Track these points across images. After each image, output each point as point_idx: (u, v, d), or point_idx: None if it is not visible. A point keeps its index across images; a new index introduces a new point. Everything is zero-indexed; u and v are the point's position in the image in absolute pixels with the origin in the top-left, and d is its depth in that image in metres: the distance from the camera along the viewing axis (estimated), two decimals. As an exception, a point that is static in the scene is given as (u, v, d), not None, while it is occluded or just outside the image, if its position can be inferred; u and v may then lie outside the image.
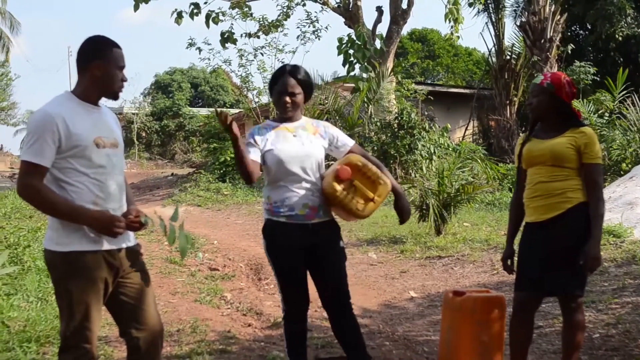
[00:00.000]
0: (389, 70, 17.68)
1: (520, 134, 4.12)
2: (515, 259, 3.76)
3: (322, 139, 3.57)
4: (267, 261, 3.60)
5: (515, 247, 3.79)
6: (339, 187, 3.36)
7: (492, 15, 22.10)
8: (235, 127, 3.11)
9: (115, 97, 2.99)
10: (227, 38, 19.15)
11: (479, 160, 11.51)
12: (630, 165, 12.11)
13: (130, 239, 3.00)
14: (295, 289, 3.49)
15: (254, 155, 3.40)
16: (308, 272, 3.54)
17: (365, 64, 17.35)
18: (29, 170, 2.75)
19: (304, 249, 3.45)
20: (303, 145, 3.47)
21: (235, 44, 19.44)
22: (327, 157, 3.69)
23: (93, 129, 2.85)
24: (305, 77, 3.53)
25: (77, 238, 2.80)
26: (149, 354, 3.02)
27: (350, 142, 3.66)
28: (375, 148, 15.15)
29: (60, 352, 2.89)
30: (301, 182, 3.43)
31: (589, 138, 3.49)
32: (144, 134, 36.00)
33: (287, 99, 3.47)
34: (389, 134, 15.61)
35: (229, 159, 17.86)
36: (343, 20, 19.47)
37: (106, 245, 2.86)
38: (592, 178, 3.46)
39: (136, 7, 18.06)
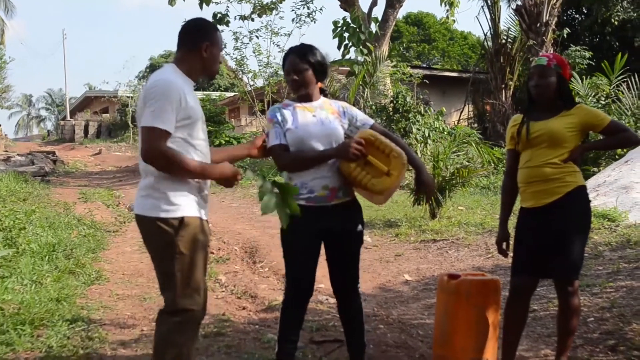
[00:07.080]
0: (385, 53, 17.61)
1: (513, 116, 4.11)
2: (511, 242, 3.76)
3: (341, 119, 3.50)
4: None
5: (509, 230, 3.78)
6: (353, 164, 3.33)
7: (488, -1, 22.02)
8: None
9: (213, 76, 3.23)
10: (219, 20, 19.02)
11: (474, 144, 11.47)
12: (625, 150, 12.11)
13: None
14: (305, 274, 3.43)
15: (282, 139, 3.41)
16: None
17: (361, 47, 17.29)
18: (157, 135, 2.78)
19: (322, 232, 3.39)
20: (323, 124, 3.40)
21: (227, 26, 19.35)
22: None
23: (199, 104, 3.01)
24: (313, 55, 3.44)
25: (187, 204, 2.87)
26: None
27: (370, 121, 3.59)
28: (370, 132, 15.10)
29: (169, 315, 2.88)
30: None
31: (587, 109, 3.58)
32: (138, 117, 35.78)
33: (294, 76, 3.43)
34: (384, 118, 15.56)
35: (223, 142, 17.82)
36: (339, 3, 19.39)
37: (204, 215, 2.97)
38: (618, 130, 3.54)
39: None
